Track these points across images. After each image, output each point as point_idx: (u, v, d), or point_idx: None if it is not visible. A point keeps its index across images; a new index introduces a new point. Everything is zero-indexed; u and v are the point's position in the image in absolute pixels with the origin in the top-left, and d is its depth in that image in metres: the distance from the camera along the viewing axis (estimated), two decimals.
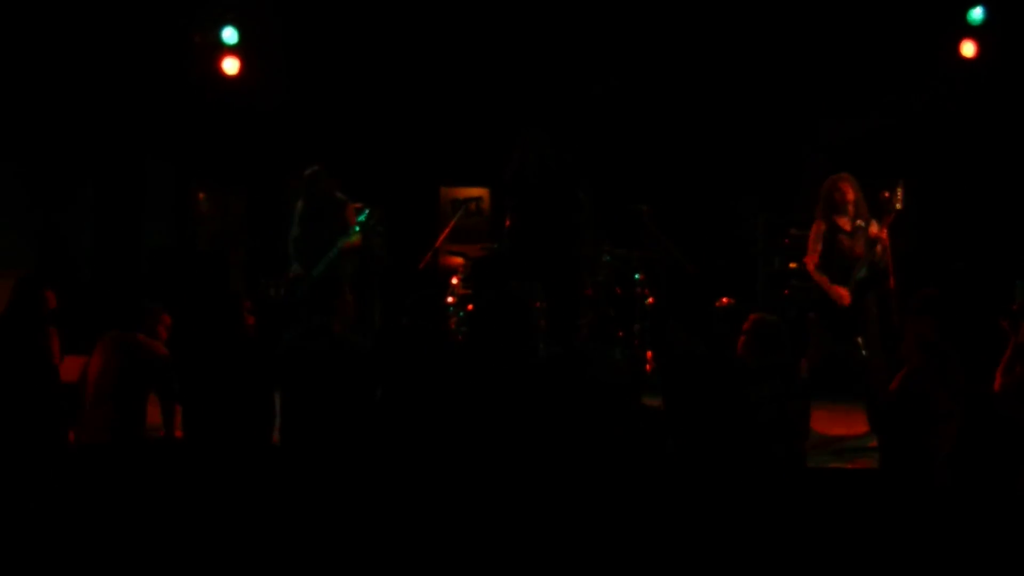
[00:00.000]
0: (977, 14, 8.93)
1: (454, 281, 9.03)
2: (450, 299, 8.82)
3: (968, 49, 8.97)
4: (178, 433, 6.36)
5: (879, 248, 7.37)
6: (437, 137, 10.50)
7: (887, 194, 7.20)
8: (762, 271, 9.77)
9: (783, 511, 5.49)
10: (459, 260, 9.22)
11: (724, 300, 7.46)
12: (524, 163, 8.16)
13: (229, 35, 9.29)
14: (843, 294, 7.33)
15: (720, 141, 10.30)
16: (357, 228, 8.18)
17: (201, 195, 10.79)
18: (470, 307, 8.67)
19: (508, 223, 8.25)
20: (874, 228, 7.39)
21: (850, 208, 7.50)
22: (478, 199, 10.66)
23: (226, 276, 10.40)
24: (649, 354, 8.68)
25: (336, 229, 8.11)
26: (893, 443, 5.68)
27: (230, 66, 9.31)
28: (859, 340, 7.21)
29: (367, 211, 8.50)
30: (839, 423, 7.40)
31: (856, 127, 9.80)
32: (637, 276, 8.92)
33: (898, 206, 7.55)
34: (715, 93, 10.10)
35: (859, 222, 7.47)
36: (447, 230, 8.89)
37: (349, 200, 8.29)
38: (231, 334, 6.29)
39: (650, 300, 8.88)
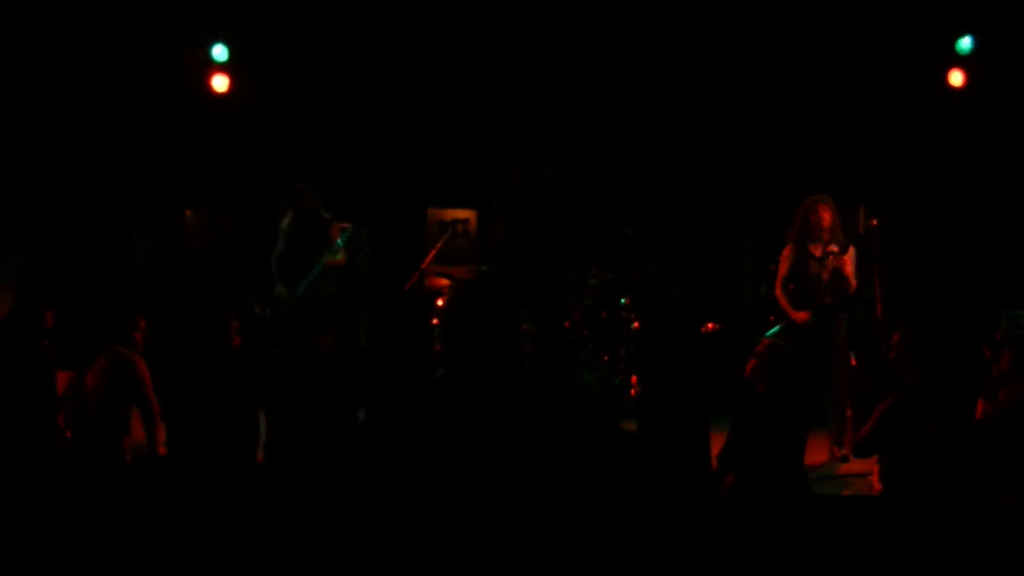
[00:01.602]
0: (966, 43, 9.00)
1: (440, 303, 9.01)
2: (435, 321, 8.80)
3: (956, 78, 9.03)
4: (162, 450, 6.34)
5: (845, 280, 7.40)
6: (425, 158, 10.49)
7: (875, 222, 7.24)
8: (748, 296, 9.79)
9: (791, 539, 5.53)
10: (445, 282, 9.19)
11: (710, 325, 7.47)
12: (519, 186, 8.16)
13: (219, 52, 9.31)
14: (807, 318, 7.36)
15: (707, 166, 10.31)
16: (340, 243, 8.19)
17: (189, 213, 10.79)
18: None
19: (496, 245, 8.24)
20: (838, 252, 7.42)
21: (825, 234, 7.53)
22: (465, 221, 10.65)
23: (213, 295, 10.39)
24: (634, 379, 8.67)
25: (321, 247, 8.12)
26: (887, 470, 5.73)
27: (220, 83, 9.32)
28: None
29: (351, 229, 8.51)
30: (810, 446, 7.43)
31: (843, 153, 9.81)
32: (623, 300, 8.92)
33: (860, 231, 7.60)
34: (703, 117, 10.13)
35: (831, 247, 7.51)
36: (434, 251, 8.88)
37: (335, 219, 8.30)
38: (217, 353, 6.29)
39: (635, 324, 8.86)
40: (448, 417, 5.74)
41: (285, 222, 8.32)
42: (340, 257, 8.20)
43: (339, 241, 8.14)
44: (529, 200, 8.14)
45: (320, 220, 8.24)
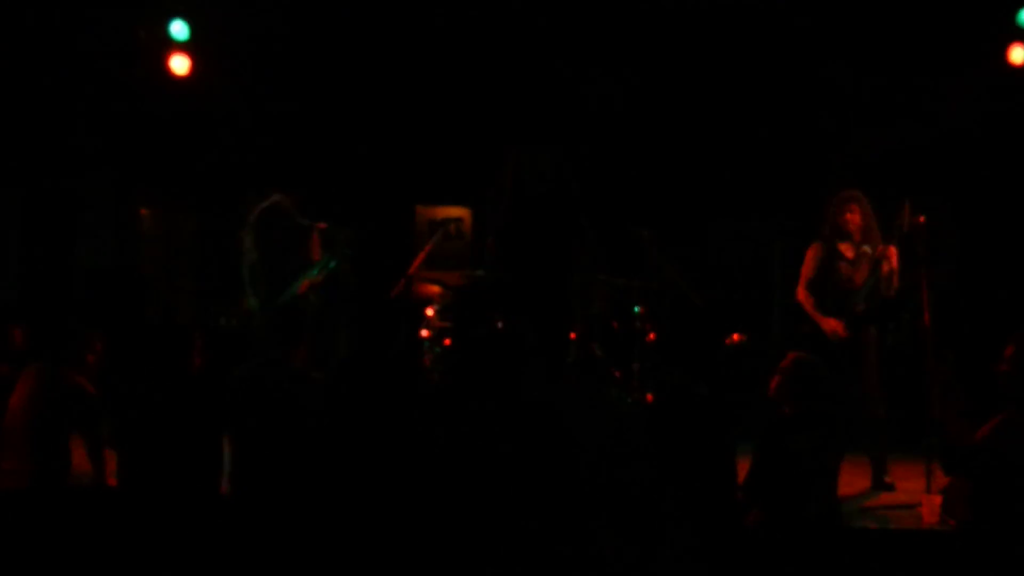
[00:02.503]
0: None
1: (429, 313, 8.99)
2: (424, 333, 8.77)
3: (1018, 55, 8.97)
4: (111, 481, 6.30)
5: (887, 276, 7.36)
6: (413, 150, 10.51)
7: (923, 219, 7.21)
8: (778, 304, 9.74)
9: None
10: (436, 289, 9.18)
11: (735, 337, 7.45)
12: (516, 182, 8.15)
13: (178, 30, 9.24)
14: (836, 327, 7.37)
15: (731, 156, 10.34)
16: (332, 264, 8.17)
17: (144, 212, 10.77)
18: (447, 342, 8.64)
19: (492, 248, 8.23)
20: (872, 254, 7.41)
21: (856, 234, 7.52)
22: (458, 220, 10.64)
23: (172, 304, 10.35)
24: (649, 397, 8.64)
25: (300, 257, 8.12)
26: (983, 496, 5.67)
27: (179, 65, 9.28)
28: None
29: (334, 261, 8.51)
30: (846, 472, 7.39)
31: (887, 142, 9.82)
32: (637, 309, 8.89)
33: (904, 228, 7.57)
34: (726, 101, 10.15)
35: (864, 248, 7.48)
36: (423, 254, 8.85)
37: (314, 223, 8.28)
38: (176, 370, 6.29)
39: (651, 336, 8.84)
40: (443, 440, 5.77)
41: (253, 233, 8.29)
42: (318, 277, 8.17)
43: (331, 263, 8.11)
44: (526, 197, 8.11)
45: (298, 227, 8.22)
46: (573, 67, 10.05)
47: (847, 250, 7.59)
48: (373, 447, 5.99)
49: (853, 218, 7.55)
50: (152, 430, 6.11)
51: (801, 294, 7.67)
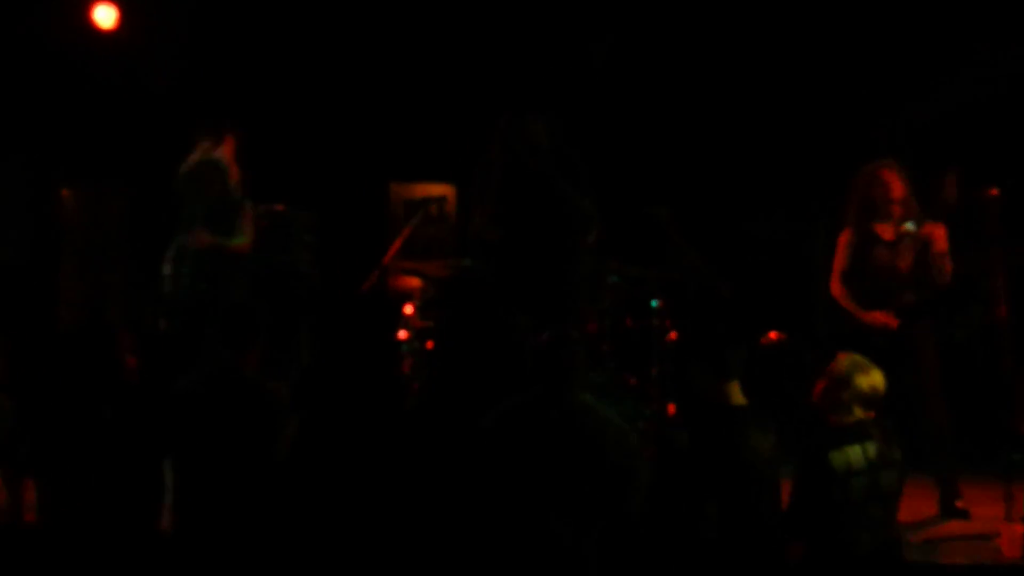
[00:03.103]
0: None
1: (408, 310, 8.94)
2: (402, 334, 8.73)
3: None
4: (29, 517, 6.25)
5: (938, 259, 7.31)
6: (386, 118, 10.52)
7: (995, 191, 7.16)
8: (822, 295, 9.70)
9: None
10: (415, 282, 9.13)
11: (772, 335, 7.41)
12: (506, 155, 8.11)
13: None
14: (886, 319, 7.41)
15: (765, 124, 10.36)
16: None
17: (67, 193, 10.75)
18: (429, 344, 8.60)
19: (481, 231, 8.20)
20: (927, 231, 7.37)
21: (895, 209, 7.50)
22: (440, 200, 10.60)
23: (100, 301, 10.30)
24: (671, 408, 8.63)
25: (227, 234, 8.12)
26: None
27: (105, 17, 9.25)
28: None
29: (285, 214, 8.47)
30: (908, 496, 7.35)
31: (943, 105, 9.82)
32: (655, 303, 8.89)
33: (951, 202, 7.54)
34: (758, 59, 10.18)
35: (906, 227, 7.43)
36: (399, 241, 8.81)
37: (251, 202, 8.24)
38: (105, 381, 6.31)
39: (672, 335, 8.86)
40: (429, 465, 5.76)
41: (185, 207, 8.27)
42: (244, 241, 8.13)
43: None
44: (518, 173, 8.08)
45: (230, 202, 8.18)
46: (574, 20, 10.03)
47: (884, 231, 7.56)
48: (344, 473, 5.97)
49: (890, 190, 7.48)
50: (77, 455, 6.08)
51: (835, 288, 7.72)
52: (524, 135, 8.18)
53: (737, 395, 5.87)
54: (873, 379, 5.94)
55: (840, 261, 7.67)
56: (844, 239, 7.68)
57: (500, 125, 8.24)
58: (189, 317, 7.76)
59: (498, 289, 8.03)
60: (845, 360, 6.02)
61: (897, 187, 7.47)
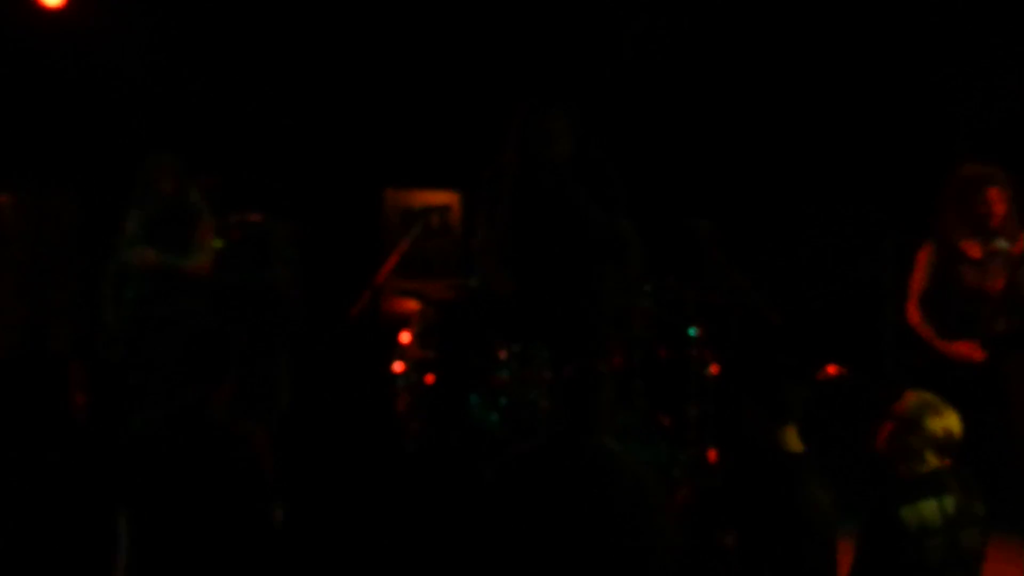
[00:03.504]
0: None
1: (405, 338, 8.94)
2: (398, 366, 8.71)
3: None
4: None
5: None
6: (379, 113, 10.57)
7: None
8: (891, 322, 9.68)
9: None
10: (414, 305, 9.13)
11: (830, 369, 7.38)
12: (522, 158, 8.10)
13: None
14: (970, 351, 7.46)
15: (822, 121, 10.40)
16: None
17: (4, 200, 10.74)
18: (429, 379, 8.58)
19: (488, 246, 8.18)
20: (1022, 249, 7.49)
21: (995, 223, 7.54)
22: (443, 209, 10.60)
23: (43, 324, 10.29)
24: (712, 454, 8.63)
25: (183, 252, 8.11)
26: None
27: None
28: None
29: (262, 225, 8.49)
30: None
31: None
32: (693, 331, 8.88)
33: None
34: (814, 45, 10.22)
35: (998, 244, 7.43)
36: (395, 257, 8.78)
37: (210, 211, 8.24)
38: (50, 418, 6.28)
39: (713, 368, 8.86)
40: (429, 521, 5.74)
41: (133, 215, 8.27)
42: (201, 261, 8.14)
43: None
44: (537, 178, 8.06)
45: (187, 209, 8.19)
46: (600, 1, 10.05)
47: (972, 249, 7.66)
48: (331, 525, 5.95)
49: (993, 206, 7.51)
50: (14, 505, 6.06)
51: (913, 314, 7.79)
52: (545, 133, 8.14)
53: (794, 441, 5.85)
54: (947, 421, 5.90)
55: (918, 281, 7.74)
56: (924, 256, 7.76)
57: (515, 121, 8.21)
58: (134, 348, 7.74)
59: (510, 314, 8.02)
60: (913, 399, 6.00)
61: (1002, 202, 7.49)
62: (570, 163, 8.09)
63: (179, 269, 8.15)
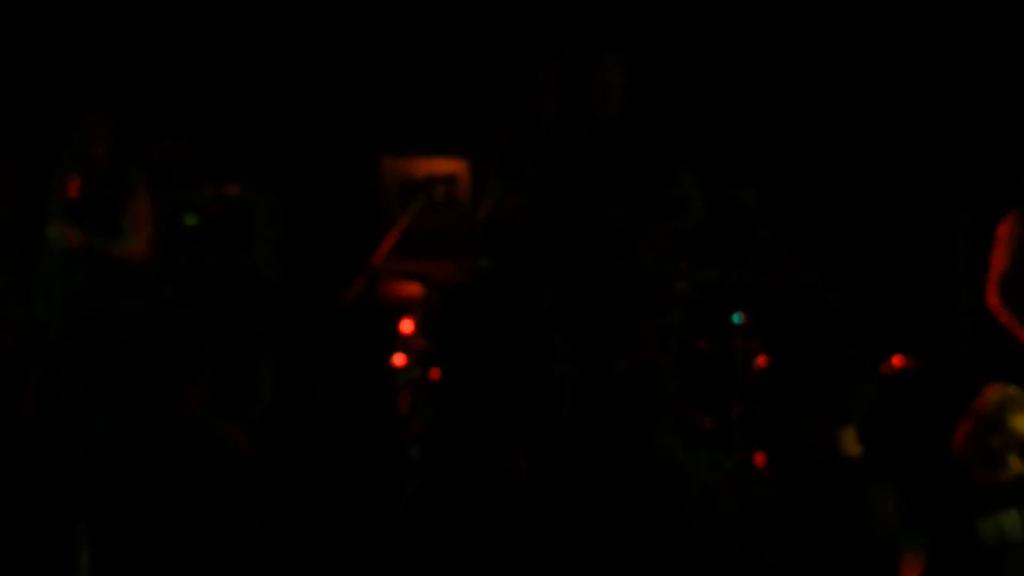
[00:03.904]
0: None
1: (407, 328, 8.96)
2: (399, 359, 8.75)
3: None
4: None
5: None
6: (376, 70, 10.57)
7: None
8: (966, 307, 9.70)
9: None
10: (416, 289, 9.14)
11: (895, 361, 7.41)
12: (567, 111, 8.11)
13: None
14: None
15: (889, 76, 10.40)
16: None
17: None
18: (434, 373, 8.62)
19: (510, 215, 8.20)
20: None
21: None
22: (449, 180, 10.59)
23: None
24: (759, 459, 8.66)
25: (111, 228, 8.13)
26: None
27: None
28: None
29: (243, 197, 8.51)
30: None
31: None
32: (737, 318, 8.92)
33: None
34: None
35: None
36: (394, 235, 8.82)
37: (146, 183, 8.27)
38: None
39: (761, 360, 8.89)
40: (438, 537, 5.77)
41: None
42: (136, 246, 8.17)
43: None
44: (580, 137, 8.07)
45: (122, 180, 8.20)
46: None
47: None
48: (320, 536, 5.99)
49: None
50: None
51: (993, 298, 7.68)
52: (601, 85, 8.14)
53: (851, 443, 5.86)
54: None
55: (1000, 261, 7.69)
56: (1007, 231, 7.73)
57: (559, 67, 8.18)
58: (67, 349, 7.77)
59: (528, 300, 8.04)
60: (996, 394, 5.98)
61: None
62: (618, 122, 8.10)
63: (109, 254, 8.08)
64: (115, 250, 8.12)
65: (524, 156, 8.14)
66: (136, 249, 8.17)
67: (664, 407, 5.95)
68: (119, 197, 8.22)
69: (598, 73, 8.07)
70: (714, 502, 5.90)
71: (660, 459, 5.92)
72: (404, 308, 9.10)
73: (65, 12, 10.03)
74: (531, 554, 5.90)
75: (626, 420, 5.93)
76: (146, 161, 8.79)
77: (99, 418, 6.31)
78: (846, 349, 6.86)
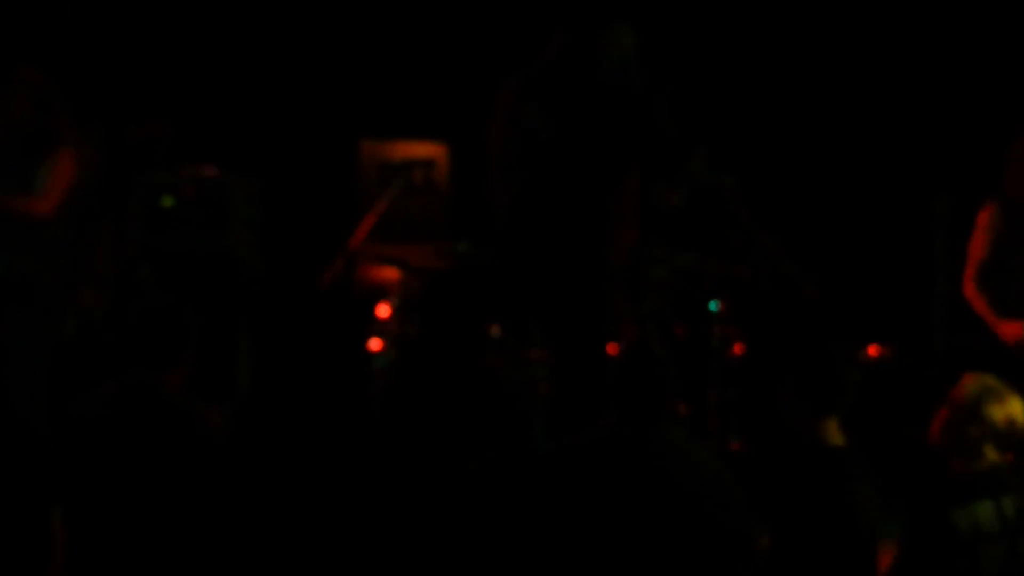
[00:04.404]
0: None
1: (383, 312, 8.96)
2: (375, 344, 8.75)
3: None
4: None
5: None
6: (353, 50, 10.56)
7: None
8: (942, 295, 9.72)
9: None
10: (393, 273, 9.15)
11: (871, 350, 7.43)
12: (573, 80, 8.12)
13: None
14: (1016, 332, 7.56)
15: (864, 62, 10.40)
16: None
17: None
18: (412, 359, 8.62)
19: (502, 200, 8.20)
20: None
21: None
22: (427, 164, 10.59)
23: None
24: (735, 446, 8.73)
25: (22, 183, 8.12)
26: None
27: None
28: None
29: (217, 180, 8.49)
30: None
31: None
32: (714, 305, 8.94)
33: None
34: None
35: None
36: (372, 219, 8.82)
37: (77, 143, 8.23)
38: None
39: (737, 348, 8.92)
40: (408, 525, 5.78)
41: None
42: (39, 200, 8.13)
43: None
44: (592, 101, 8.08)
45: (39, 136, 8.17)
46: None
47: None
48: (298, 524, 5.98)
49: None
50: None
51: (970, 287, 7.75)
52: (613, 53, 8.14)
53: (834, 433, 5.87)
54: (1010, 409, 5.88)
55: (978, 249, 7.71)
56: (985, 220, 7.78)
57: (568, 37, 8.18)
58: None
59: (508, 284, 8.04)
60: (973, 384, 5.96)
61: None
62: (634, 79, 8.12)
63: (4, 205, 8.00)
64: (10, 202, 8.04)
65: (527, 134, 8.16)
66: (37, 204, 8.08)
67: (667, 394, 6.00)
68: (36, 152, 8.15)
69: (614, 39, 8.09)
70: (724, 486, 5.93)
71: (669, 445, 5.95)
72: (381, 293, 9.11)
73: None
74: (531, 548, 5.92)
75: (631, 409, 5.95)
76: (116, 138, 8.75)
77: (79, 398, 6.28)
78: (832, 340, 6.88)
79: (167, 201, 9.03)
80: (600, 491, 5.85)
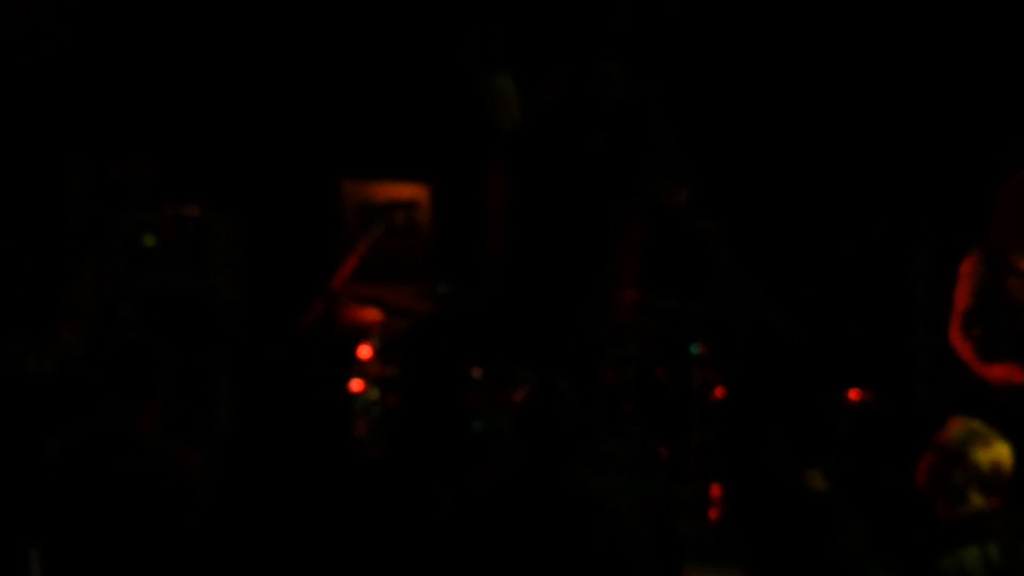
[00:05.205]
0: None
1: (365, 353, 8.92)
2: (356, 385, 8.70)
3: None
4: None
5: None
6: (336, 90, 10.53)
7: None
8: (923, 341, 9.70)
9: None
10: (375, 315, 9.12)
11: (853, 394, 7.39)
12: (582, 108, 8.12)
13: None
14: (1011, 374, 7.51)
15: (848, 110, 10.37)
16: None
17: None
18: (392, 400, 8.57)
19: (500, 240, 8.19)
20: None
21: None
22: (410, 205, 10.55)
23: None
24: (715, 490, 8.66)
25: None
26: None
27: None
28: None
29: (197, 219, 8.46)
30: None
31: None
32: (695, 348, 8.89)
33: None
34: (842, 32, 10.21)
35: None
36: (353, 260, 8.78)
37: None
38: None
39: (718, 392, 8.87)
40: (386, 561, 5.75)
41: None
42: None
43: None
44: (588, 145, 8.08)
45: None
46: None
47: (1022, 260, 7.73)
48: (278, 560, 5.95)
49: None
50: None
51: (955, 334, 7.74)
52: (600, 88, 8.15)
53: (817, 478, 5.82)
54: (996, 453, 5.88)
55: (963, 298, 7.72)
56: (969, 269, 7.76)
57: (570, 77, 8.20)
58: None
59: (492, 326, 8.02)
60: (959, 428, 5.97)
61: None
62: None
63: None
64: None
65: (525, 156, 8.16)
66: None
67: (567, 432, 5.89)
68: None
69: (603, 78, 8.10)
70: (622, 528, 5.84)
71: (567, 484, 5.88)
72: (362, 334, 9.07)
73: (23, 33, 9.96)
74: None
75: (532, 449, 5.90)
76: (98, 176, 8.73)
77: (55, 436, 6.23)
78: (820, 391, 6.86)
79: (149, 240, 9.00)
80: (499, 530, 5.82)
